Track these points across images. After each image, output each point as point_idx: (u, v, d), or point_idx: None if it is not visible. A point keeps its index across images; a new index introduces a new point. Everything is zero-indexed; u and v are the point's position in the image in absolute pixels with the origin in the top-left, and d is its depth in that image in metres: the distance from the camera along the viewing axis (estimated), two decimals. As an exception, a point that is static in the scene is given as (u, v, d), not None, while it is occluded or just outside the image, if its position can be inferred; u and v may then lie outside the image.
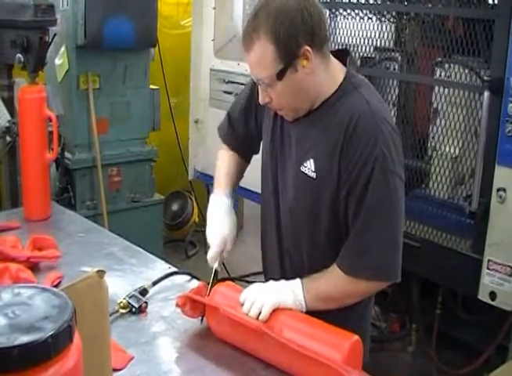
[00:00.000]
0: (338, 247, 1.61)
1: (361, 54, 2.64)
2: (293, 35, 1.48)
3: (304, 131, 1.64)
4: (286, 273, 1.75)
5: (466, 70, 2.29)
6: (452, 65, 2.34)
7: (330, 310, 1.60)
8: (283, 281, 1.63)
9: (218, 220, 1.79)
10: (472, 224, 2.23)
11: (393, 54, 2.58)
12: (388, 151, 1.52)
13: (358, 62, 2.63)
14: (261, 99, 1.60)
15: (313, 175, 1.60)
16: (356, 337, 1.46)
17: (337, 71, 1.62)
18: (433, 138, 2.45)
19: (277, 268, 1.80)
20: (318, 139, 1.60)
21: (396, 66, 2.57)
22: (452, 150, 2.36)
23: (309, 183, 1.61)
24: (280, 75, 1.50)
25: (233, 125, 1.93)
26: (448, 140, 2.37)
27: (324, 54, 1.56)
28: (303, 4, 1.48)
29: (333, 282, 1.60)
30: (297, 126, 1.66)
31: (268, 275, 1.87)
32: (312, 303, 1.59)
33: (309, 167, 1.61)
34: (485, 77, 2.16)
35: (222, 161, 1.95)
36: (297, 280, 1.61)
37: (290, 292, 1.57)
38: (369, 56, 2.64)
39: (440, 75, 2.39)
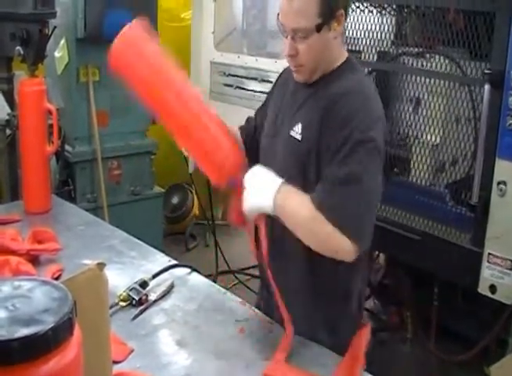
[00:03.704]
0: None
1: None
2: None
3: (305, 100, 1.72)
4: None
5: (447, 61, 2.34)
6: (434, 56, 2.38)
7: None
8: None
9: None
10: (472, 217, 2.23)
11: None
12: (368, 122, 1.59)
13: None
14: (288, 50, 1.65)
15: (299, 137, 1.68)
16: None
17: (343, 50, 1.77)
18: (415, 127, 2.50)
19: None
20: (311, 107, 1.69)
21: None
22: (433, 139, 2.43)
23: (296, 146, 1.68)
24: (319, 28, 1.59)
25: (256, 115, 2.04)
26: (429, 129, 2.44)
27: (344, 27, 1.73)
28: None
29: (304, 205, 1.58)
30: (303, 90, 1.74)
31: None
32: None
33: (297, 131, 1.69)
34: (486, 70, 2.15)
35: None
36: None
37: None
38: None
39: (422, 65, 2.42)
